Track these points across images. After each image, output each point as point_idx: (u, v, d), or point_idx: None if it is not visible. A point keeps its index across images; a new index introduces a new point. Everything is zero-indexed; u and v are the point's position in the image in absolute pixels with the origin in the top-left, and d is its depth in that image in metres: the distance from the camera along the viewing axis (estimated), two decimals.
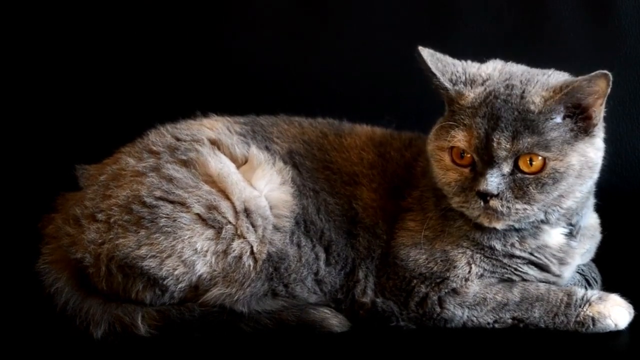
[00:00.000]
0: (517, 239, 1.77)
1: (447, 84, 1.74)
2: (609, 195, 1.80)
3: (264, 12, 2.54)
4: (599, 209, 1.91)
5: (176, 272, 1.76)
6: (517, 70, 1.78)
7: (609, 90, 1.66)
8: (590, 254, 1.92)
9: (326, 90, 2.49)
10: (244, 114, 2.04)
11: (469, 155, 1.70)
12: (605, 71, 1.63)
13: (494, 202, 1.67)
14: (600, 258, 1.97)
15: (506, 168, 1.66)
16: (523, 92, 1.69)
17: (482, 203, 1.68)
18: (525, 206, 1.68)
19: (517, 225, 1.74)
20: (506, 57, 1.87)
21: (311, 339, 1.78)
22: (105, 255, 1.77)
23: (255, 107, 2.09)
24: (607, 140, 1.78)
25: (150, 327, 1.77)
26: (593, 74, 1.63)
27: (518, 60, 1.86)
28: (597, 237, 1.90)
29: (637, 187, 2.26)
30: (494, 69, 1.78)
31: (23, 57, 2.55)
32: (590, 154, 1.70)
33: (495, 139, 1.65)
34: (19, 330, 1.85)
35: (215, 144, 1.88)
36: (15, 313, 1.92)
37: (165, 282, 1.77)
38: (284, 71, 2.52)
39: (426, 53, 1.76)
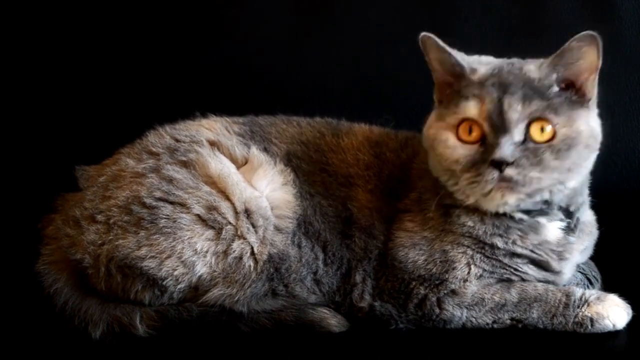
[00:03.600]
0: (518, 234, 1.77)
1: (462, 61, 1.74)
2: (609, 194, 1.79)
3: (263, 12, 2.54)
4: (597, 207, 1.91)
5: (176, 273, 1.77)
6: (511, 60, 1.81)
7: (600, 62, 1.69)
8: (589, 252, 1.91)
9: (325, 89, 2.49)
10: (243, 114, 2.03)
11: (476, 131, 1.69)
12: (594, 33, 1.66)
13: (509, 171, 1.65)
14: (600, 258, 1.96)
15: (518, 136, 1.66)
16: (521, 66, 1.73)
17: (496, 173, 1.65)
18: (540, 175, 1.67)
19: (528, 200, 1.73)
20: (506, 55, 1.86)
21: (310, 339, 1.78)
22: (104, 256, 1.78)
23: (255, 107, 2.08)
24: (607, 139, 1.78)
25: (148, 328, 1.77)
26: (582, 33, 1.66)
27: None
28: (595, 233, 1.90)
29: (636, 186, 2.26)
30: (491, 59, 1.81)
31: (23, 57, 2.55)
32: (592, 123, 1.72)
33: (506, 102, 1.66)
34: (19, 330, 1.85)
35: (214, 144, 1.88)
36: (15, 313, 1.93)
37: (164, 283, 1.77)
38: (283, 71, 2.52)
39: (433, 37, 1.74)
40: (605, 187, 1.90)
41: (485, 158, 1.66)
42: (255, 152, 1.88)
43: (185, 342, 1.77)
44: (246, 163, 1.88)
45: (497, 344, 1.74)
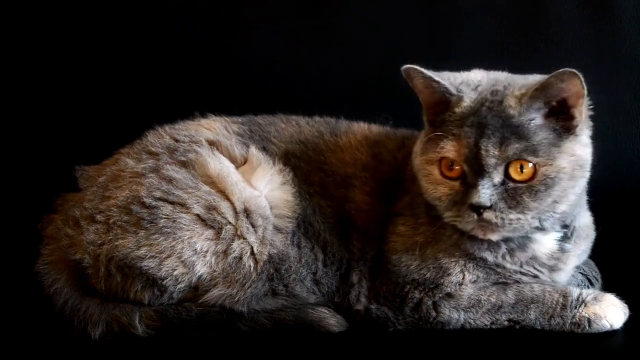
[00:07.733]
0: (506, 250, 1.76)
1: (452, 88, 1.69)
2: (608, 194, 1.79)
3: (263, 12, 2.54)
4: (597, 207, 1.90)
5: (176, 273, 1.77)
6: (502, 76, 1.76)
7: (586, 90, 1.64)
8: (586, 255, 1.91)
9: (325, 89, 2.49)
10: (243, 114, 2.04)
11: (458, 167, 1.67)
12: (573, 70, 1.60)
13: (488, 215, 1.65)
14: (599, 258, 1.96)
15: (497, 178, 1.64)
16: (503, 97, 1.67)
17: (475, 216, 1.65)
18: (520, 216, 1.65)
19: (512, 236, 1.73)
20: (506, 58, 1.86)
21: (309, 339, 1.78)
22: (104, 256, 1.78)
23: (254, 107, 2.09)
24: (607, 140, 1.76)
25: (148, 328, 1.78)
26: (561, 71, 1.60)
27: (518, 60, 1.85)
28: (592, 236, 1.88)
29: (636, 186, 2.26)
30: (482, 77, 1.75)
31: (23, 57, 2.55)
32: (579, 151, 1.68)
33: (483, 147, 1.63)
34: (19, 330, 1.86)
35: (214, 144, 1.89)
36: (15, 313, 1.93)
37: (164, 283, 1.77)
38: (283, 71, 2.52)
39: (418, 67, 1.70)
40: (605, 187, 1.89)
41: (465, 200, 1.65)
42: (255, 152, 1.88)
43: (185, 342, 1.77)
44: (245, 163, 1.89)
45: (496, 344, 1.74)
